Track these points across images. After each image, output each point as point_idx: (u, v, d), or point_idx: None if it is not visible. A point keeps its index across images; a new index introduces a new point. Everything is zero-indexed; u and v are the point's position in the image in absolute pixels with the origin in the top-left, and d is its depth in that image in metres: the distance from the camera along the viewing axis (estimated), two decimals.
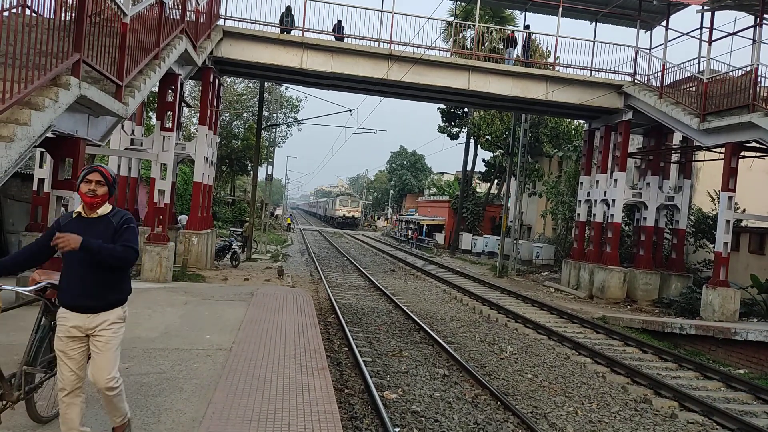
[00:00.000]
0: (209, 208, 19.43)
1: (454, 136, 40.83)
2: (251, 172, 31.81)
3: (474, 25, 20.18)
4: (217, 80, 18.75)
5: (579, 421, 7.62)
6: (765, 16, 14.96)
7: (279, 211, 64.17)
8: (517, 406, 7.77)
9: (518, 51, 20.14)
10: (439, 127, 41.20)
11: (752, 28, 15.26)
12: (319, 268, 22.88)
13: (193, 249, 16.65)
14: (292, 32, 18.01)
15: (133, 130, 17.35)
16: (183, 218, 19.39)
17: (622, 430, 7.42)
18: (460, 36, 23.66)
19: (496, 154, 37.93)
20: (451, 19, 24.49)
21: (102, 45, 8.31)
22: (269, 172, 28.70)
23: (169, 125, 14.03)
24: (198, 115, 19.27)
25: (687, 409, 8.39)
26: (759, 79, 14.69)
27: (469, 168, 39.56)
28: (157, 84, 13.29)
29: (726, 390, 9.85)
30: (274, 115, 33.19)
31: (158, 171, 14.00)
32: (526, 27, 20.99)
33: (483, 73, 18.42)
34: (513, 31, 20.94)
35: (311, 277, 20.64)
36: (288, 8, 18.13)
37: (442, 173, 73.63)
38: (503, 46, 20.49)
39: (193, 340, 7.67)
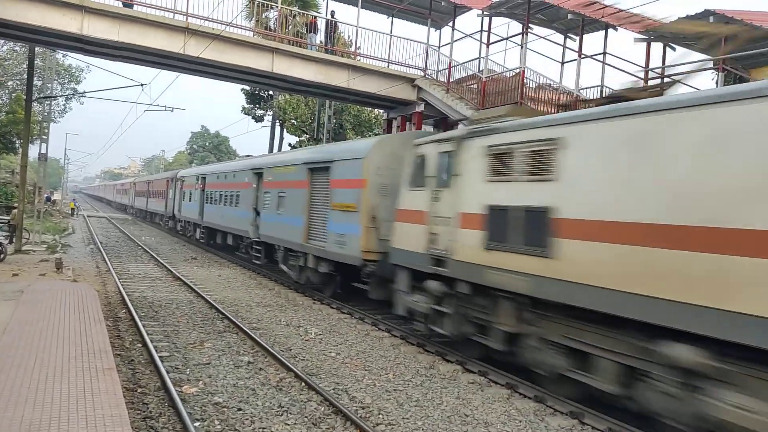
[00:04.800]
0: None
1: (259, 119, 40.06)
2: (20, 151, 27.47)
3: (277, 6, 19.89)
4: None
5: (377, 391, 8.12)
6: (530, 26, 17.30)
7: (57, 196, 56.67)
8: (320, 385, 8.00)
9: (321, 38, 20.39)
10: (243, 108, 40.05)
11: (521, 35, 17.52)
12: (107, 259, 20.76)
13: None
14: None
15: None
16: None
17: (414, 395, 8.09)
18: (263, 16, 23.13)
19: (302, 138, 38.18)
20: None
21: None
22: (43, 151, 25.01)
23: None
24: None
25: (468, 372, 9.46)
26: (525, 81, 16.99)
27: (275, 151, 39.16)
28: None
29: None
30: (49, 85, 28.93)
31: None
32: (332, 13, 21.31)
33: (287, 57, 18.29)
34: (315, 17, 21.11)
35: (98, 269, 18.64)
36: None
37: (248, 156, 71.79)
38: (306, 30, 20.57)
39: None
